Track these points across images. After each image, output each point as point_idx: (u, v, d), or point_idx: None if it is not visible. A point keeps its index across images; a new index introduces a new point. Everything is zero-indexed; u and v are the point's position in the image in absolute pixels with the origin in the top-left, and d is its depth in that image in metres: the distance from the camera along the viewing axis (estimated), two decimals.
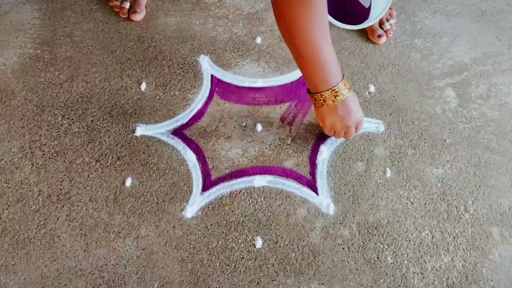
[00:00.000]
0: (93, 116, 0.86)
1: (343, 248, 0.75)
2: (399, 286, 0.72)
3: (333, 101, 0.71)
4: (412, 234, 0.76)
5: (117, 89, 0.89)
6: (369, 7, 0.91)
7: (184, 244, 0.75)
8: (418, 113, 0.88)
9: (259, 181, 0.80)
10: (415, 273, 0.73)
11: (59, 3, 1.01)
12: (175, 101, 0.88)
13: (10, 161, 0.81)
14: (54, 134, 0.84)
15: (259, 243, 0.75)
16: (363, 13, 0.92)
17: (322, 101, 0.72)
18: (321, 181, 0.81)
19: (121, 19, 0.98)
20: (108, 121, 0.86)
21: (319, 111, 0.75)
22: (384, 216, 0.78)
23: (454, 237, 0.76)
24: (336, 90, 0.70)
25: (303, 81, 0.91)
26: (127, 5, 0.97)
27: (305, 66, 0.70)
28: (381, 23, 0.97)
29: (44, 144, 0.83)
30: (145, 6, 0.99)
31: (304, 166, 0.82)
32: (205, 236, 0.75)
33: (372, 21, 0.92)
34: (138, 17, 0.98)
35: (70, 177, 0.80)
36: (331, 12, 0.87)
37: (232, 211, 0.78)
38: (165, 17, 0.99)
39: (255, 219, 0.77)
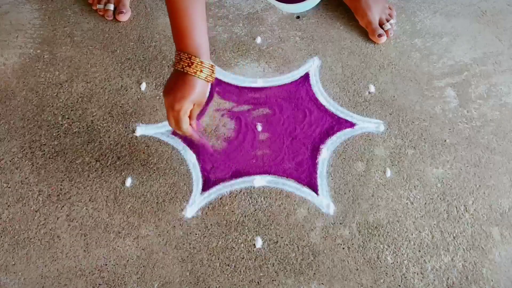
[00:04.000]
0: (93, 116, 0.86)
1: (343, 248, 0.75)
2: (399, 286, 0.72)
3: (186, 67, 0.63)
4: (412, 234, 0.76)
5: (117, 89, 0.89)
6: None
7: (184, 244, 0.75)
8: (418, 113, 0.88)
9: (259, 181, 0.80)
10: (415, 273, 0.73)
11: (59, 3, 1.01)
12: None
13: (10, 161, 0.81)
14: (54, 134, 0.84)
15: (259, 243, 0.75)
16: None
17: (178, 59, 0.64)
18: (321, 181, 0.81)
19: None
20: (108, 121, 0.86)
21: (172, 73, 0.67)
22: (384, 216, 0.78)
23: (454, 237, 0.76)
24: (196, 62, 0.64)
25: (303, 82, 0.91)
26: (111, 7, 0.97)
27: (174, 15, 0.64)
28: (381, 23, 0.97)
29: (44, 144, 0.83)
30: (130, 6, 0.99)
31: (304, 166, 0.82)
32: (205, 236, 0.75)
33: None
34: (125, 17, 0.98)
35: (70, 177, 0.80)
36: None
37: (232, 211, 0.78)
38: (165, 17, 0.99)
39: (255, 219, 0.77)
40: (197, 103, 0.68)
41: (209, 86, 0.69)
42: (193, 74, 0.64)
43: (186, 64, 0.64)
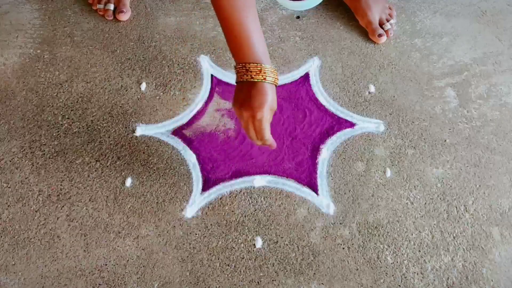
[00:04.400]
0: (93, 116, 0.86)
1: (343, 248, 0.75)
2: (399, 286, 0.72)
3: (255, 76, 0.65)
4: (412, 234, 0.76)
5: (117, 89, 0.89)
6: None
7: (184, 244, 0.75)
8: (418, 113, 0.88)
9: (259, 181, 0.80)
10: (415, 273, 0.73)
11: (59, 3, 1.01)
12: (175, 101, 0.88)
13: (10, 161, 0.81)
14: (54, 134, 0.84)
15: (259, 243, 0.75)
16: None
17: (244, 71, 0.65)
18: (321, 181, 0.81)
19: None
20: (108, 121, 0.86)
21: (238, 87, 0.68)
22: (384, 216, 0.78)
23: (454, 237, 0.76)
24: (264, 68, 0.65)
25: (303, 82, 0.91)
26: (111, 6, 0.97)
27: (230, 29, 0.65)
28: (381, 23, 0.97)
29: (44, 144, 0.83)
30: (130, 6, 0.99)
31: (304, 166, 0.82)
32: (205, 236, 0.75)
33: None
34: (125, 16, 0.97)
35: (70, 177, 0.80)
36: None
37: (232, 211, 0.78)
38: (165, 17, 0.99)
39: (255, 219, 0.77)
40: (272, 108, 0.68)
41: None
42: (263, 80, 0.65)
43: (255, 73, 0.65)
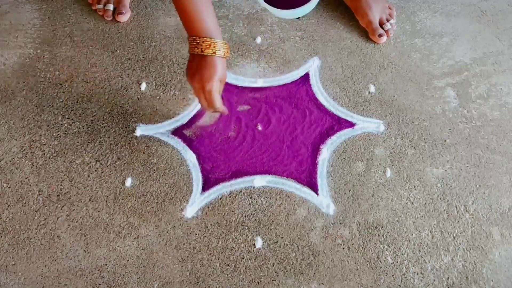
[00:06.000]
0: (93, 116, 0.86)
1: (343, 248, 0.75)
2: (399, 286, 0.72)
3: (205, 50, 0.68)
4: (412, 234, 0.76)
5: (117, 89, 0.89)
6: None
7: (184, 244, 0.75)
8: (418, 113, 0.88)
9: (259, 181, 0.80)
10: (415, 273, 0.73)
11: (59, 3, 1.01)
12: (175, 101, 0.88)
13: (10, 161, 0.81)
14: (54, 134, 0.84)
15: (259, 243, 0.75)
16: None
17: (195, 44, 0.68)
18: (321, 181, 0.81)
19: None
20: (108, 121, 0.86)
21: (190, 58, 0.71)
22: (384, 216, 0.78)
23: (454, 237, 0.76)
24: (214, 43, 0.68)
25: (303, 82, 0.91)
26: (110, 7, 0.97)
27: (181, 4, 0.68)
28: (381, 23, 0.97)
29: (44, 144, 0.83)
30: (129, 6, 0.99)
31: (304, 166, 0.82)
32: (205, 236, 0.75)
33: (313, 4, 0.80)
34: (124, 18, 0.97)
35: (70, 177, 0.80)
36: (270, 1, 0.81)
37: (232, 211, 0.78)
38: (165, 17, 0.99)
39: (255, 219, 0.77)
40: (222, 79, 0.72)
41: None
42: (213, 54, 0.69)
43: (204, 47, 0.68)
